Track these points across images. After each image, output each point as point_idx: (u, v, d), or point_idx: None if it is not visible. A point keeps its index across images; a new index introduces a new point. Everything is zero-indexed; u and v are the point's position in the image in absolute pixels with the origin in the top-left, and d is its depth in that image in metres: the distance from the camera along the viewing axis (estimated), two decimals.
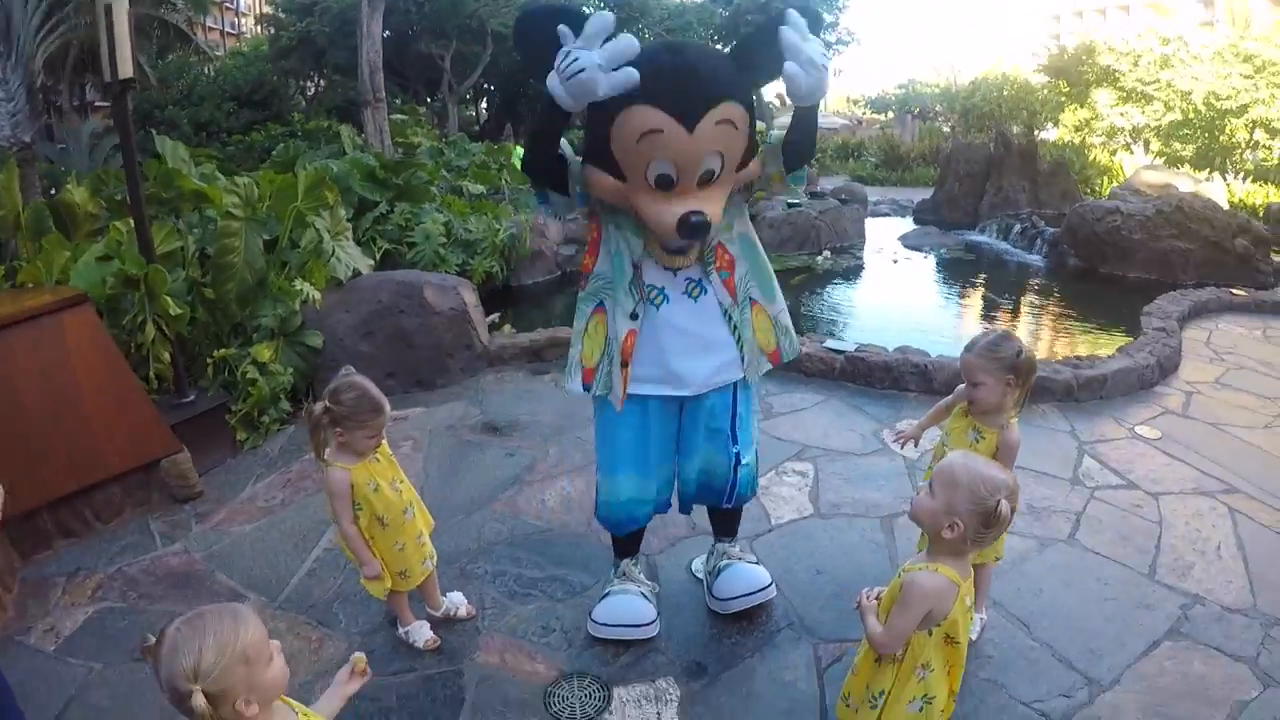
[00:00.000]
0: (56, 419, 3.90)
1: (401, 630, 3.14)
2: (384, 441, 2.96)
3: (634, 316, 2.83)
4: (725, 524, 3.41)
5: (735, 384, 2.97)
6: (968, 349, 2.89)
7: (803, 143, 2.69)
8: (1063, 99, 26.90)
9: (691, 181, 2.51)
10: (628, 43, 2.25)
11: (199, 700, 1.47)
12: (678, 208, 2.48)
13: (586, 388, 2.93)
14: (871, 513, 4.20)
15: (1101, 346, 7.71)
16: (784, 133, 2.74)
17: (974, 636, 2.88)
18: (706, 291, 2.83)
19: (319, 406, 2.73)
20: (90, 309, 4.20)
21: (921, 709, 2.20)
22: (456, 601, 3.33)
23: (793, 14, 2.39)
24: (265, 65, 21.53)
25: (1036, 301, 10.14)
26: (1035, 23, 72.15)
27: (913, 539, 3.70)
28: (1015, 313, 9.64)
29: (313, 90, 24.31)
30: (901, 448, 3.45)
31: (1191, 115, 22.73)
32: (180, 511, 4.19)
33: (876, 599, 2.25)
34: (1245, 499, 4.43)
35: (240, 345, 5.15)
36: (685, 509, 3.37)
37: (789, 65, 2.34)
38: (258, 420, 4.92)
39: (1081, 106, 25.74)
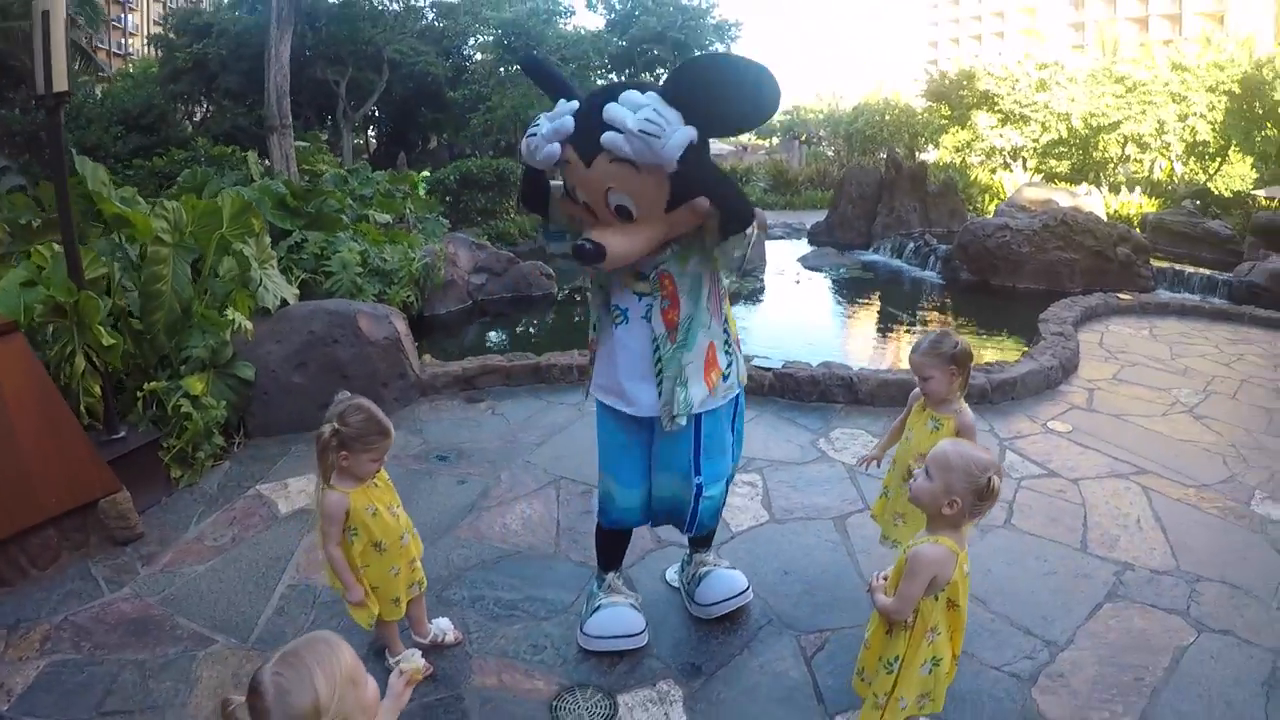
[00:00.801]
0: None
1: (391, 660, 3.07)
2: (384, 473, 2.95)
3: (595, 328, 3.05)
4: (700, 537, 3.52)
5: (700, 415, 2.98)
6: (914, 351, 3.21)
7: (721, 208, 2.65)
8: (943, 122, 28.16)
9: (605, 214, 2.68)
10: (563, 121, 2.60)
11: None
12: (588, 233, 2.67)
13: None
14: (823, 515, 4.40)
15: (992, 351, 8.27)
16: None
17: None
18: (655, 319, 2.92)
19: (327, 429, 2.70)
20: (21, 338, 3.94)
21: (930, 671, 2.41)
22: (444, 627, 3.31)
23: (629, 93, 2.53)
24: (154, 88, 20.78)
25: (937, 314, 10.64)
26: (914, 50, 75.46)
27: (866, 535, 3.99)
28: (917, 325, 10.09)
29: (200, 115, 23.63)
30: (866, 470, 3.65)
31: (1068, 134, 24.16)
32: (122, 554, 3.94)
33: (884, 579, 2.47)
34: (1155, 478, 4.93)
35: (169, 378, 4.92)
36: (653, 524, 3.40)
37: (607, 134, 2.47)
38: (192, 456, 4.70)
39: (962, 129, 27.00)
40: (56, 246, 4.76)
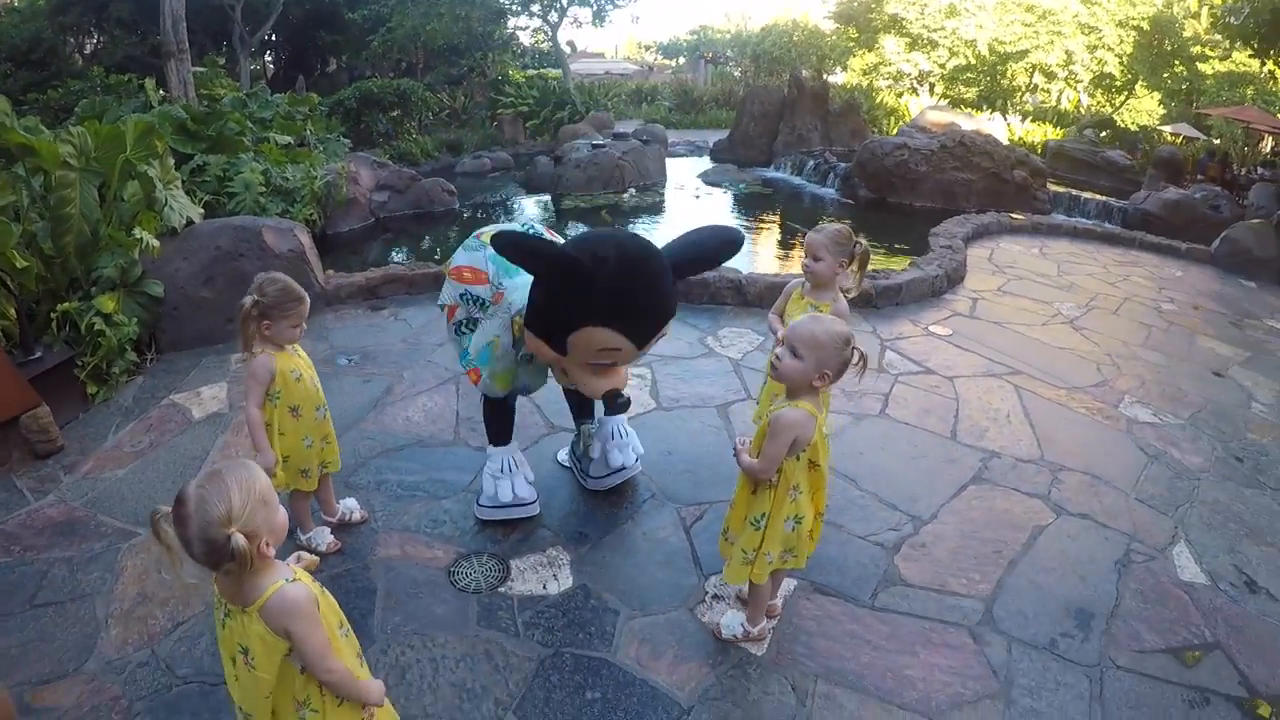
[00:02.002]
0: None
1: (303, 537, 3.32)
2: (300, 349, 3.14)
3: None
4: (582, 406, 3.86)
5: None
6: (815, 231, 3.39)
7: None
8: (851, 45, 28.24)
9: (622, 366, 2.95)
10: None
11: (240, 540, 1.64)
12: (606, 382, 2.90)
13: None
14: (707, 403, 4.70)
15: (884, 263, 8.45)
16: None
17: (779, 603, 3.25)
18: None
19: (248, 300, 2.88)
20: None
21: (794, 528, 2.67)
22: (351, 507, 3.56)
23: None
24: (42, 21, 19.75)
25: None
26: None
27: (747, 420, 4.30)
28: None
29: (90, 48, 22.62)
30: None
31: (975, 60, 24.40)
32: (44, 466, 4.05)
33: (746, 444, 2.69)
34: (1028, 379, 5.26)
35: (81, 299, 5.00)
36: None
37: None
38: (107, 372, 4.81)
39: (870, 52, 27.12)
40: None
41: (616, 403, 2.94)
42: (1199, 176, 16.29)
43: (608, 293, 2.66)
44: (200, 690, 2.73)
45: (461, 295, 3.25)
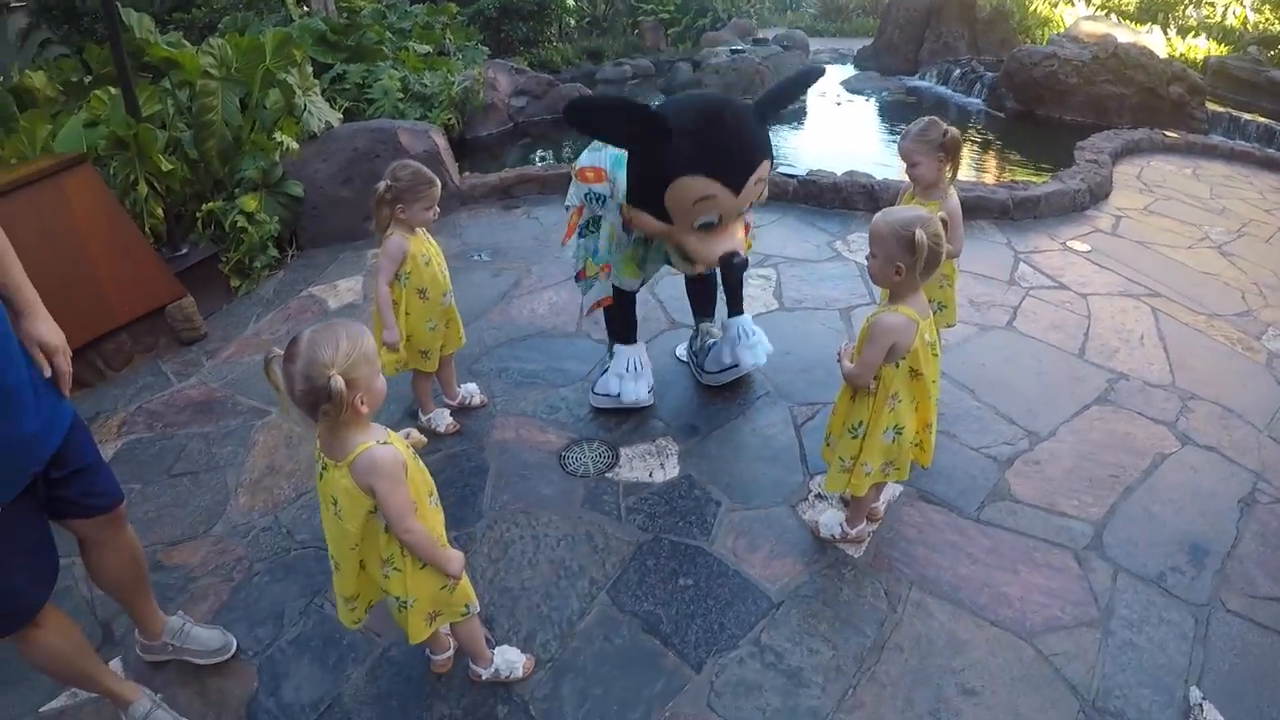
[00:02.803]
0: (63, 278, 3.96)
1: (424, 417, 3.51)
2: (432, 240, 3.26)
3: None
4: (704, 304, 3.90)
5: None
6: (903, 138, 3.28)
7: None
8: None
9: (729, 223, 2.89)
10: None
11: (338, 382, 1.74)
12: (720, 245, 2.88)
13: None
14: (830, 306, 4.65)
15: (1028, 176, 8.02)
16: None
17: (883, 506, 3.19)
18: None
19: (381, 185, 3.04)
20: (90, 170, 4.28)
21: (894, 439, 2.60)
22: (471, 390, 3.72)
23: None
24: None
25: (976, 140, 10.38)
26: None
27: None
28: None
29: None
30: None
31: None
32: (188, 352, 4.39)
33: (851, 348, 2.64)
34: (1167, 302, 4.92)
35: (224, 199, 5.31)
36: None
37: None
38: (249, 267, 5.13)
39: None
40: (113, 90, 5.12)
41: (734, 264, 2.89)
42: None
43: (689, 137, 2.69)
44: (316, 554, 2.94)
45: (585, 195, 3.30)
